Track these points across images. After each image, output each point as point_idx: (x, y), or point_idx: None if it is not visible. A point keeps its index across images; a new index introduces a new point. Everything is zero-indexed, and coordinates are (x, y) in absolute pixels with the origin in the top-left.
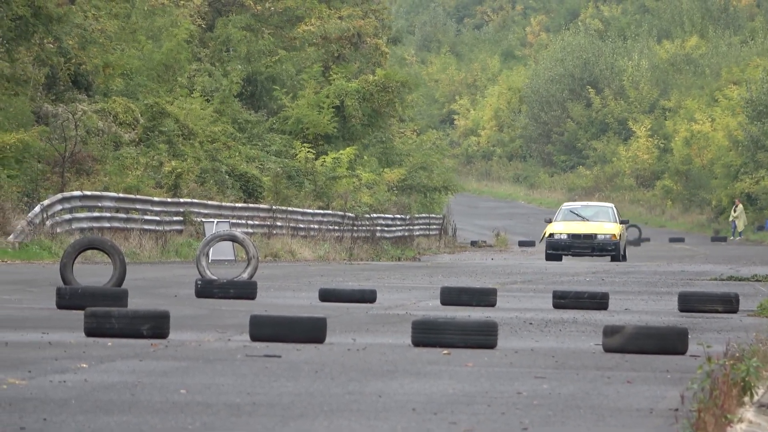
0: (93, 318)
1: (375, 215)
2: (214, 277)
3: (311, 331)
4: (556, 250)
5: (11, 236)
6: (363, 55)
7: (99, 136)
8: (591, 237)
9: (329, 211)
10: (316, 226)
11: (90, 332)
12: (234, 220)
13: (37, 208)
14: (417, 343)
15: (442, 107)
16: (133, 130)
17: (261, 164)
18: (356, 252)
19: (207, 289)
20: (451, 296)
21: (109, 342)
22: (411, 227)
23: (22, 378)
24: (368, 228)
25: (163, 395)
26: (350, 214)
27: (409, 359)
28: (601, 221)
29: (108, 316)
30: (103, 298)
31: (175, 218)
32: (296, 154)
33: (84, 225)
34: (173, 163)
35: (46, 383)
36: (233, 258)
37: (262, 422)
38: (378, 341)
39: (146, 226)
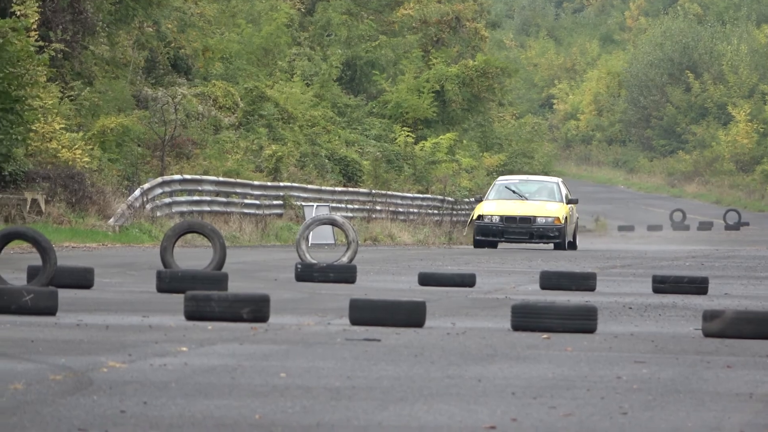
0: (193, 301)
1: (474, 199)
2: (314, 261)
3: (411, 315)
4: (486, 236)
5: (111, 220)
6: (462, 39)
7: (199, 119)
8: (529, 220)
9: (428, 196)
10: (415, 210)
11: (190, 316)
12: (333, 204)
13: (137, 192)
14: (516, 327)
15: (541, 91)
16: (233, 114)
17: (360, 148)
18: (455, 236)
19: (307, 273)
20: (550, 281)
21: (209, 325)
22: None
23: (122, 361)
24: (467, 212)
25: (263, 379)
26: (449, 199)
27: (508, 343)
28: (543, 200)
29: (208, 299)
30: (203, 281)
31: (274, 202)
32: (396, 138)
33: (184, 209)
34: (273, 147)
35: (146, 366)
36: (333, 242)
37: (361, 406)
38: (477, 325)
39: (246, 210)
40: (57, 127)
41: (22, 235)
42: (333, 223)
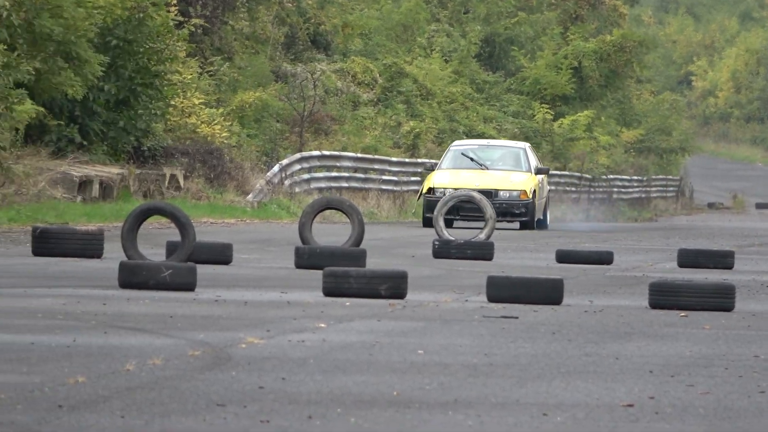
0: (331, 278)
1: (612, 176)
2: (452, 238)
3: (548, 293)
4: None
5: (250, 196)
6: (600, 16)
7: (337, 95)
8: (489, 194)
9: (566, 173)
10: (552, 188)
11: (328, 292)
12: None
13: (276, 168)
14: (654, 305)
15: (680, 68)
16: (372, 90)
17: (498, 125)
18: (593, 213)
19: (444, 250)
20: (688, 258)
21: (347, 302)
22: (648, 189)
23: (260, 337)
24: (605, 189)
25: (401, 355)
26: (587, 176)
27: (645, 321)
28: (507, 170)
29: (346, 276)
30: (341, 257)
31: (412, 178)
32: (534, 115)
33: (322, 185)
34: (411, 123)
35: (284, 342)
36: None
37: (498, 383)
38: (615, 303)
39: (384, 186)
40: (196, 102)
41: (161, 210)
42: (471, 199)
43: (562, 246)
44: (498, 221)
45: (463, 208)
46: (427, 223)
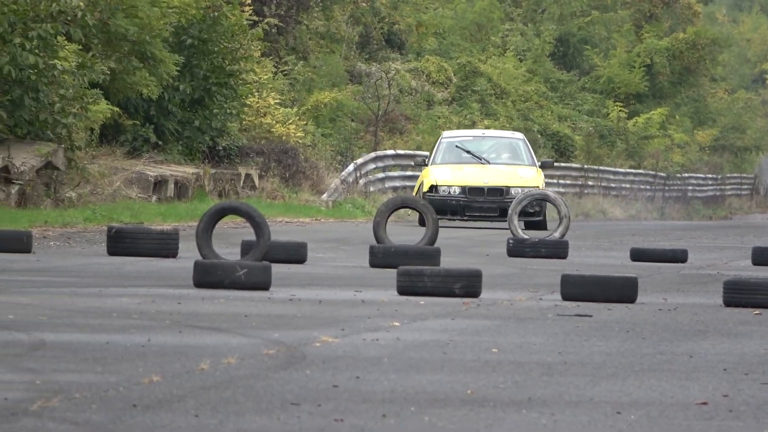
0: (406, 276)
1: (686, 175)
2: (526, 237)
3: (622, 291)
4: (444, 213)
5: (325, 195)
6: (674, 14)
7: (412, 95)
8: (500, 192)
9: (641, 171)
10: (627, 186)
11: (402, 291)
12: (546, 180)
13: (351, 167)
14: (728, 303)
15: (754, 67)
16: (446, 89)
17: (573, 123)
18: (667, 211)
19: (518, 249)
20: (763, 256)
21: (422, 300)
22: (722, 187)
23: (335, 336)
24: (679, 188)
25: (475, 354)
26: (661, 174)
27: (720, 319)
28: (511, 164)
29: (420, 274)
30: (415, 256)
31: None
32: (608, 114)
33: (397, 184)
34: (485, 122)
35: (358, 341)
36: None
37: (572, 381)
38: (689, 301)
39: None
40: (271, 101)
41: (236, 210)
42: (545, 198)
43: (637, 244)
44: (503, 220)
45: (474, 205)
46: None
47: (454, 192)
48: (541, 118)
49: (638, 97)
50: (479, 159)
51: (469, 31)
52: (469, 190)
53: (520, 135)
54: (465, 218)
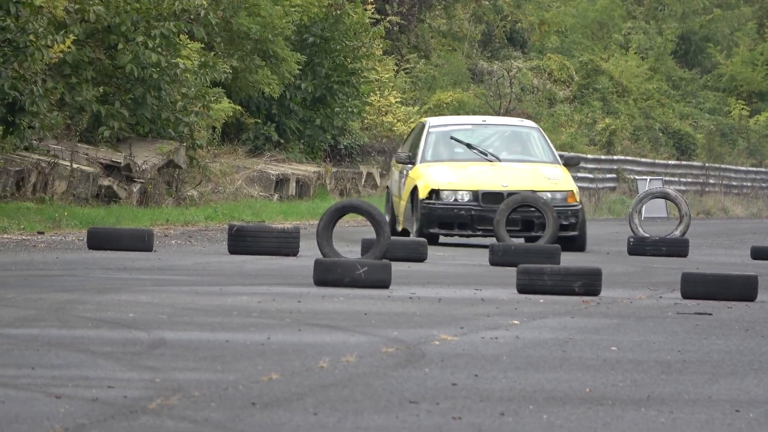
0: (525, 275)
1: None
2: (647, 235)
3: (743, 289)
4: (447, 225)
5: None
6: None
7: (534, 93)
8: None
9: (762, 169)
10: (749, 184)
11: (522, 289)
12: (667, 178)
13: None
14: None
15: None
16: (568, 87)
17: (694, 121)
18: None
19: (639, 247)
20: None
21: (541, 299)
22: None
23: (454, 334)
24: None
25: (594, 352)
26: None
27: None
28: (530, 161)
29: (540, 273)
30: (535, 255)
31: (608, 175)
32: (730, 112)
33: None
34: (607, 120)
35: (477, 339)
36: (665, 215)
37: (691, 379)
38: None
39: (579, 184)
40: (393, 100)
41: (356, 208)
42: (666, 196)
43: (758, 242)
44: (535, 235)
45: (485, 218)
46: (429, 238)
47: (463, 199)
48: (663, 116)
49: (761, 96)
50: (485, 155)
51: (590, 29)
52: (482, 197)
53: (532, 123)
54: (477, 233)
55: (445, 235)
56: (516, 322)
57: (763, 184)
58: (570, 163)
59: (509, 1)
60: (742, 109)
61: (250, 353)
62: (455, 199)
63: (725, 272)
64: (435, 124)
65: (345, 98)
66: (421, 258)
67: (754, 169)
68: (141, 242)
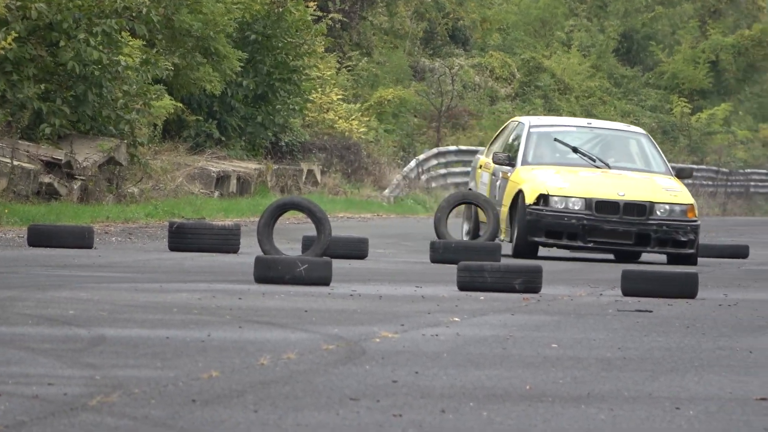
0: (466, 272)
1: (749, 171)
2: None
3: (683, 286)
4: (556, 235)
5: (387, 191)
6: (738, 10)
7: (476, 90)
8: (642, 210)
9: (703, 166)
10: (689, 181)
11: (463, 286)
12: None
13: (413, 163)
14: None
15: None
16: (510, 84)
17: (636, 119)
18: (729, 207)
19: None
20: None
21: (482, 296)
22: None
23: (394, 331)
24: (742, 183)
25: (534, 349)
26: (724, 170)
27: None
28: (642, 170)
29: (481, 270)
30: (476, 252)
31: None
32: (671, 109)
33: (458, 180)
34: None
35: (418, 337)
36: None
37: (632, 377)
38: (749, 297)
39: None
40: (334, 98)
41: (297, 205)
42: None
43: (702, 240)
44: (650, 252)
45: (604, 227)
46: (529, 249)
47: (575, 207)
48: (605, 114)
49: (702, 93)
50: (593, 160)
51: (533, 26)
52: (596, 205)
53: (640, 129)
54: (588, 245)
55: (551, 245)
56: (456, 319)
57: (704, 182)
58: (682, 175)
59: None
60: (684, 106)
61: (190, 350)
62: (566, 206)
63: (665, 269)
64: (536, 123)
65: (286, 95)
66: (362, 255)
67: (696, 166)
68: (81, 239)
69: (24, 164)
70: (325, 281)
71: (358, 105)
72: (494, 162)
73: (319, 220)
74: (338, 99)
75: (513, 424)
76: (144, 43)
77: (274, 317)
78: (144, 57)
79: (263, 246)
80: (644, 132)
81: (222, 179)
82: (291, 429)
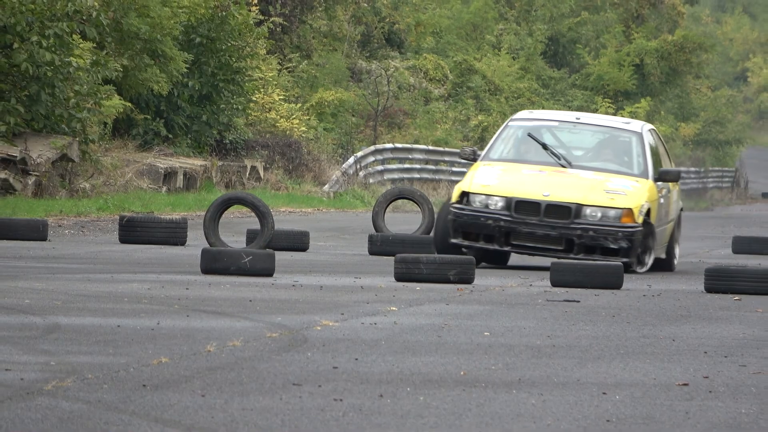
0: (403, 264)
1: (464, 156)
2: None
3: (609, 278)
4: (472, 237)
5: (326, 186)
6: (660, 15)
7: (410, 91)
8: (566, 212)
9: None
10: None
11: (400, 277)
12: None
13: (351, 160)
14: (709, 289)
15: (736, 65)
16: (443, 85)
17: None
18: None
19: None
20: (742, 245)
21: (418, 287)
22: (704, 180)
23: (335, 320)
24: None
25: (468, 337)
26: None
27: (701, 305)
28: (604, 170)
29: (417, 262)
30: (412, 245)
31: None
32: (597, 109)
33: (395, 176)
34: (480, 117)
35: (357, 325)
36: None
37: (561, 363)
38: (672, 287)
39: (454, 177)
40: (276, 98)
41: (241, 200)
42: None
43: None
44: (581, 259)
45: (523, 230)
46: (452, 249)
47: (496, 206)
48: None
49: (626, 94)
50: (555, 157)
51: (464, 30)
52: (516, 206)
53: (637, 126)
54: (505, 248)
55: (467, 247)
56: (394, 308)
57: None
58: (666, 178)
59: (387, 3)
60: (608, 106)
61: (140, 338)
62: (486, 206)
63: (592, 262)
64: (519, 117)
65: (230, 95)
66: (303, 247)
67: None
68: (36, 232)
69: None
70: (268, 272)
71: (298, 105)
72: (461, 157)
73: (262, 214)
74: (280, 99)
75: (448, 408)
76: (94, 45)
77: (220, 306)
78: (94, 59)
79: (209, 239)
80: (639, 130)
81: (169, 175)
82: (237, 413)
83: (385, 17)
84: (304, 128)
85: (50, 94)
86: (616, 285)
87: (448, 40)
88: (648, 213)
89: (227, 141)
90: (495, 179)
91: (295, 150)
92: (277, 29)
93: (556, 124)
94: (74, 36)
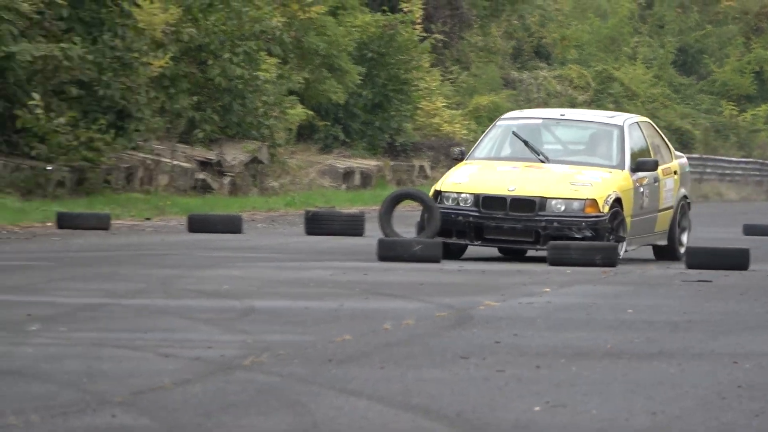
0: (555, 250)
1: (453, 156)
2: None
3: (737, 260)
4: (447, 233)
5: None
6: None
7: (557, 97)
8: (531, 205)
9: (751, 159)
10: (739, 172)
11: (552, 262)
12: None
13: None
14: None
15: None
16: (586, 92)
17: (693, 120)
18: None
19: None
20: None
21: (568, 270)
22: None
23: (496, 300)
24: None
25: (613, 314)
26: None
27: None
28: (583, 164)
29: (567, 248)
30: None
31: None
32: (722, 112)
33: None
34: None
35: (516, 305)
36: None
37: (696, 336)
38: None
39: None
40: (439, 105)
41: (411, 195)
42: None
43: (749, 221)
44: (535, 249)
45: (492, 224)
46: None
47: (466, 203)
48: (666, 116)
49: (748, 98)
50: (536, 153)
51: (604, 43)
52: (483, 201)
53: (620, 120)
54: (475, 243)
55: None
56: (548, 289)
57: (752, 172)
58: (642, 167)
59: (536, 20)
60: (732, 109)
61: (325, 318)
62: (458, 203)
63: (722, 246)
64: (507, 117)
65: (399, 104)
66: None
67: (745, 159)
68: (232, 226)
69: (182, 163)
70: (436, 259)
71: (459, 111)
72: (452, 158)
73: (429, 207)
74: (442, 106)
75: (597, 378)
76: (279, 61)
77: (395, 290)
78: (279, 72)
79: (384, 230)
80: (621, 123)
81: (347, 174)
82: (411, 383)
83: (534, 33)
84: (464, 131)
85: (241, 104)
86: (744, 266)
87: (590, 52)
88: (619, 202)
89: (398, 144)
90: (466, 177)
91: None
92: (439, 45)
93: (541, 121)
94: (261, 53)
